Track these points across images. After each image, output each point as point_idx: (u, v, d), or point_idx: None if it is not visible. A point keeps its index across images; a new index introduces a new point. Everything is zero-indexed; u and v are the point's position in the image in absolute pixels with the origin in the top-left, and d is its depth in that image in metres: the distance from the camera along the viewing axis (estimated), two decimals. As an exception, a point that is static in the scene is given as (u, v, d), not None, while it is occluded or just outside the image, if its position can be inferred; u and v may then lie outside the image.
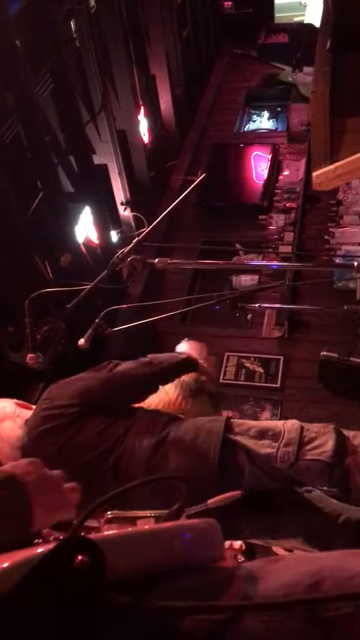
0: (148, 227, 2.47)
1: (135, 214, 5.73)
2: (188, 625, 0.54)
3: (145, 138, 6.21)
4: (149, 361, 2.13)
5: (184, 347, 2.40)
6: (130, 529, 0.78)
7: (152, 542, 0.66)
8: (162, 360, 2.16)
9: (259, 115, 8.06)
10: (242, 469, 1.89)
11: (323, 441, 1.98)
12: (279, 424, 2.09)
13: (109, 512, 0.87)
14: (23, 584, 0.50)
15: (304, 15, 8.39)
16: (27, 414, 2.04)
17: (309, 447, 1.97)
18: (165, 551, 0.65)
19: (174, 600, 0.57)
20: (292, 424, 2.07)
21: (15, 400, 2.16)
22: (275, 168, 6.53)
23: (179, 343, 2.46)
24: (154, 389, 2.16)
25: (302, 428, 2.03)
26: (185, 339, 2.49)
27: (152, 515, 0.82)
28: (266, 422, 2.22)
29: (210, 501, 1.06)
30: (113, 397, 2.04)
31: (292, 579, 0.62)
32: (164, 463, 1.88)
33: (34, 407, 2.10)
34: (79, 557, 0.51)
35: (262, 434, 2.02)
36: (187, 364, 2.24)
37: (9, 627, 0.48)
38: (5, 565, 0.55)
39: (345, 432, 2.08)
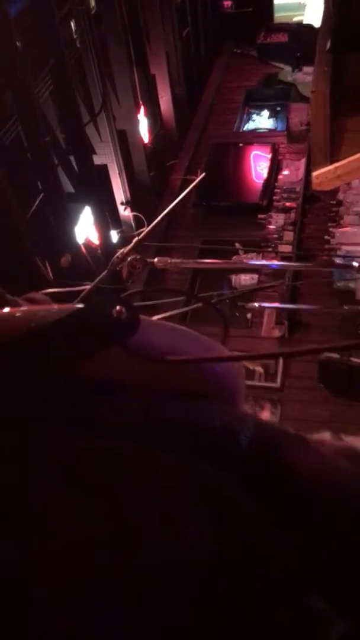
0: (148, 227, 2.48)
1: (135, 213, 5.74)
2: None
3: (145, 138, 6.22)
4: None
5: None
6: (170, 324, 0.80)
7: (194, 341, 0.69)
8: None
9: (258, 114, 8.07)
10: None
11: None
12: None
13: None
14: (66, 317, 0.56)
15: (303, 15, 8.42)
16: None
17: None
18: (202, 352, 0.65)
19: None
20: None
21: None
22: (275, 167, 6.53)
23: None
24: None
25: None
26: None
27: None
28: None
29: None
30: None
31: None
32: None
33: None
34: (118, 307, 0.55)
35: None
36: None
37: (45, 349, 0.53)
38: (55, 307, 0.61)
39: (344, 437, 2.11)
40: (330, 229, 5.51)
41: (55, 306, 0.62)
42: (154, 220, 2.52)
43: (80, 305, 0.59)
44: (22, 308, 0.62)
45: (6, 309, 0.58)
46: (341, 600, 0.50)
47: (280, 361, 4.93)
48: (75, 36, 4.79)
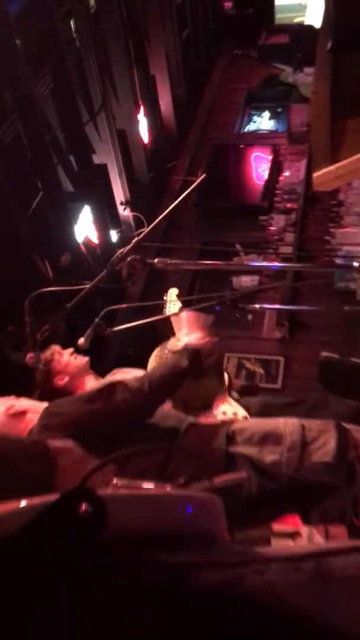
0: (148, 227, 2.46)
1: (135, 213, 5.72)
2: (198, 579, 0.55)
3: (145, 138, 6.19)
4: (149, 390, 2.02)
5: (183, 318, 2.42)
6: (134, 491, 0.79)
7: (154, 506, 0.69)
8: (163, 383, 2.07)
9: (259, 115, 8.05)
10: (248, 480, 1.89)
11: (325, 440, 1.97)
12: (279, 424, 2.06)
13: (116, 480, 0.87)
14: (30, 526, 0.52)
15: (304, 16, 8.41)
16: (33, 418, 2.04)
17: (312, 447, 1.96)
18: (167, 516, 0.67)
19: (177, 557, 0.59)
20: (292, 424, 2.04)
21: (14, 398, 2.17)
22: (276, 169, 6.52)
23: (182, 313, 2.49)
24: (154, 412, 2.11)
25: (302, 428, 2.01)
26: (185, 310, 2.48)
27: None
28: (266, 423, 2.13)
29: (216, 480, 1.07)
30: (112, 429, 1.97)
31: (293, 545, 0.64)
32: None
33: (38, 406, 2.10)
34: (83, 506, 0.53)
35: (264, 440, 2.00)
36: (190, 370, 2.18)
37: (14, 565, 0.50)
38: (22, 505, 0.59)
39: (346, 426, 2.07)
40: (331, 230, 5.50)
41: (12, 505, 0.58)
42: (153, 220, 2.50)
43: (40, 506, 0.54)
44: None
45: None
46: None
47: (281, 362, 4.92)
48: (74, 35, 4.78)
